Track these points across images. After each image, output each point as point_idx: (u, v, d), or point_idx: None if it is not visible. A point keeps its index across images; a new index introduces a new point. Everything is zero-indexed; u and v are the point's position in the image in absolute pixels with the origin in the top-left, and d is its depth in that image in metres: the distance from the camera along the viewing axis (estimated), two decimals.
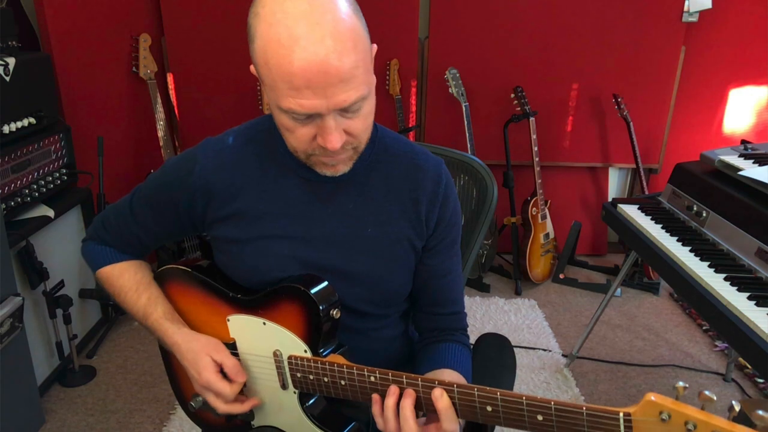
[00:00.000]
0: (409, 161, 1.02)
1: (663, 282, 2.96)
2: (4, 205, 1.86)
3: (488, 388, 0.83)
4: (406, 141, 1.06)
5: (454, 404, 0.85)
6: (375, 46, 0.89)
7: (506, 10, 2.87)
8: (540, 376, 2.30)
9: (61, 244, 2.17)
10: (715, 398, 0.71)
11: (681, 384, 0.72)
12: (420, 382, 0.87)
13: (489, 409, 0.83)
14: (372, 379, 0.90)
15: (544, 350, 2.47)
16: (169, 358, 1.15)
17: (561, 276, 3.04)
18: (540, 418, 0.79)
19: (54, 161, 2.15)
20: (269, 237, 0.99)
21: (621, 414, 0.73)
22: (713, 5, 2.83)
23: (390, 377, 0.89)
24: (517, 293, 2.92)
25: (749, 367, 2.32)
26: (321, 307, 0.95)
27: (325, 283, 0.98)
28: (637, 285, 2.97)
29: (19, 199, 1.96)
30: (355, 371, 0.91)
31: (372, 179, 1.00)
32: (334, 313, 0.97)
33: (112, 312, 2.53)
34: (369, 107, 0.87)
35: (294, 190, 0.99)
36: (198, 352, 0.98)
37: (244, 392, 1.05)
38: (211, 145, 1.01)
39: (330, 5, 0.78)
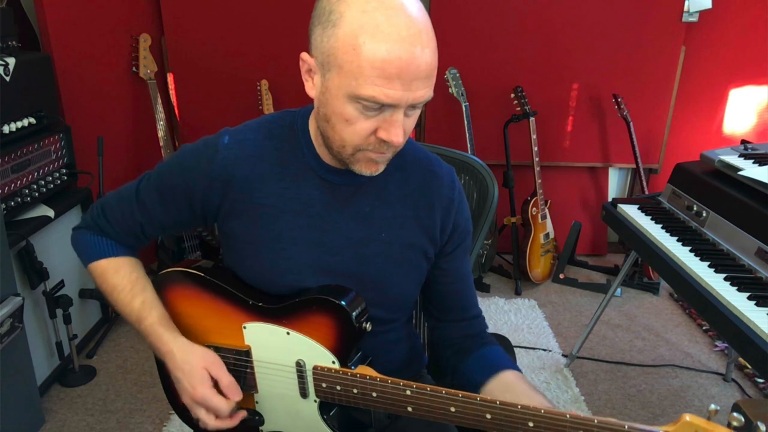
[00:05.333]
0: (425, 168, 1.03)
1: (663, 282, 2.96)
2: (4, 205, 1.86)
3: (532, 405, 0.83)
4: (420, 147, 1.06)
5: (496, 420, 0.85)
6: None
7: (506, 10, 2.87)
8: (540, 376, 2.30)
9: (61, 244, 2.17)
10: (743, 419, 0.76)
11: (713, 407, 0.77)
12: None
13: (531, 424, 0.83)
14: (408, 392, 0.90)
15: (544, 350, 2.47)
16: (163, 365, 1.13)
17: (561, 276, 3.04)
18: None
19: (54, 161, 2.15)
20: (285, 235, 0.98)
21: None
22: (713, 5, 2.83)
23: (428, 391, 0.88)
24: (517, 293, 2.92)
25: (749, 367, 2.32)
26: (354, 320, 0.94)
27: (354, 294, 0.97)
28: (637, 285, 2.97)
29: (19, 199, 1.96)
30: (389, 384, 0.91)
31: (389, 184, 1.00)
32: (367, 326, 0.97)
33: (112, 312, 2.53)
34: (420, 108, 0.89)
35: (313, 190, 0.98)
36: (194, 366, 0.96)
37: (257, 400, 1.05)
38: (233, 135, 0.98)
39: (419, 4, 0.83)
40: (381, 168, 0.92)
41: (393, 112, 0.83)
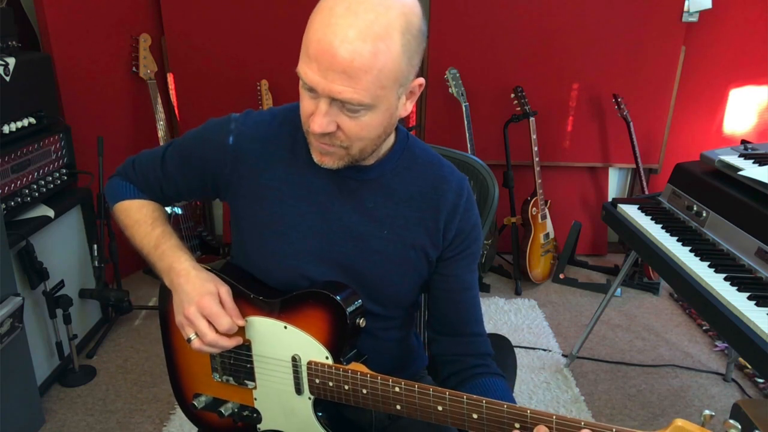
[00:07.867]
0: (436, 172, 1.04)
1: (663, 282, 2.96)
2: (4, 205, 1.86)
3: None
4: (435, 153, 1.07)
5: (482, 420, 0.85)
6: (421, 80, 0.91)
7: (506, 10, 2.87)
8: (540, 376, 2.30)
9: (61, 244, 2.17)
10: (739, 426, 0.72)
11: (708, 412, 0.75)
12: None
13: (517, 425, 0.84)
14: (397, 389, 0.91)
15: (544, 350, 2.47)
16: (171, 354, 1.13)
17: (561, 276, 3.04)
18: None
19: (54, 161, 2.15)
20: (288, 220, 1.00)
21: None
22: (713, 5, 2.83)
23: (416, 389, 0.90)
24: (517, 293, 2.92)
25: (749, 367, 2.32)
26: (348, 315, 0.95)
27: (351, 290, 0.98)
28: (637, 285, 2.97)
29: (19, 199, 1.96)
30: (379, 381, 0.92)
31: (397, 183, 1.01)
32: (360, 321, 0.97)
33: (112, 312, 2.53)
34: (371, 119, 0.87)
35: (320, 179, 0.99)
36: (207, 281, 0.98)
37: (255, 397, 1.05)
38: (253, 116, 1.04)
39: (387, 16, 0.80)
40: (327, 161, 0.92)
41: (319, 99, 0.85)
